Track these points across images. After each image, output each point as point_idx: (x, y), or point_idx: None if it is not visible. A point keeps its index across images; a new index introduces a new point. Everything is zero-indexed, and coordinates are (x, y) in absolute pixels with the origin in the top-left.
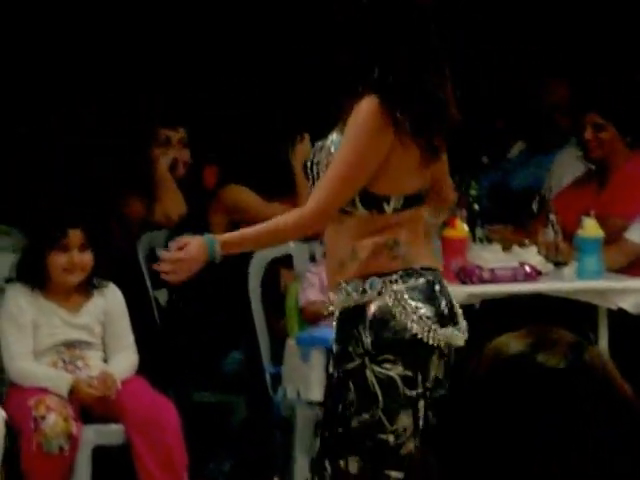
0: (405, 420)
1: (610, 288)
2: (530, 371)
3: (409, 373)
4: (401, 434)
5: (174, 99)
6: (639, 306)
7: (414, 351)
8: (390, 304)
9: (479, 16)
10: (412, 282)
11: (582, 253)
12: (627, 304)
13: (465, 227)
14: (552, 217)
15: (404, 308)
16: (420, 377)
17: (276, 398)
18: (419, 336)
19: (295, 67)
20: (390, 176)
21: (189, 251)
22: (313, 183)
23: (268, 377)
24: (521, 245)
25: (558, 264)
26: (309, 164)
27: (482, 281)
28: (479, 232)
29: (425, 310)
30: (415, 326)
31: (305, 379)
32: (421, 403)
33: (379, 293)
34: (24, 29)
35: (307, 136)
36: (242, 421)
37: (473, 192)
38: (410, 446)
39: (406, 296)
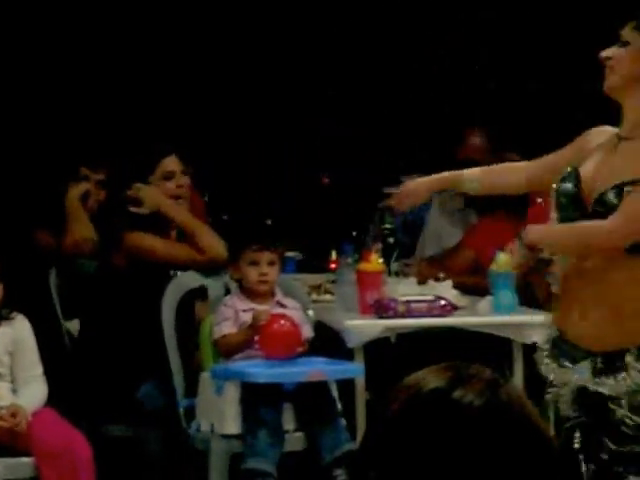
0: None
1: (524, 322)
2: (447, 408)
3: None
4: None
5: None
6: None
7: None
8: None
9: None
10: None
11: (496, 287)
12: (541, 338)
13: (380, 261)
14: (469, 252)
15: None
16: None
17: (190, 431)
18: None
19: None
20: None
21: None
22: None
23: (182, 410)
24: (436, 279)
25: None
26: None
27: (398, 315)
28: (394, 266)
29: None
30: None
31: (219, 412)
32: None
33: None
34: None
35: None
36: (156, 454)
37: (388, 225)
38: None
39: None
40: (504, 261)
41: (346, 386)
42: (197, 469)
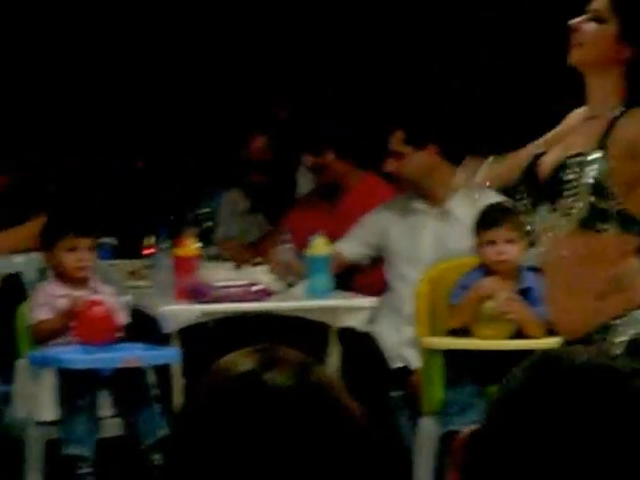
0: None
1: (339, 306)
2: (256, 390)
3: None
4: None
5: None
6: (367, 323)
7: None
8: None
9: None
10: None
11: (311, 272)
12: (356, 321)
13: (196, 245)
14: (285, 236)
15: None
16: None
17: (5, 419)
18: None
19: None
20: None
21: None
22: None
23: None
24: (253, 263)
25: (290, 285)
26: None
27: (214, 299)
28: (211, 250)
29: None
30: None
31: (36, 399)
32: None
33: None
34: None
35: None
36: None
37: (204, 210)
38: None
39: None
40: (320, 245)
41: (163, 371)
42: (12, 456)
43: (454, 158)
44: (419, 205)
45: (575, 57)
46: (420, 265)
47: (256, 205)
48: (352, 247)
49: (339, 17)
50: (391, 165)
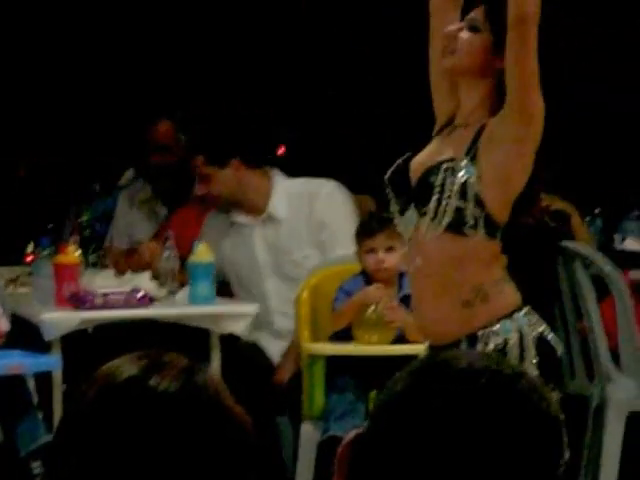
0: None
1: (221, 313)
2: (142, 395)
3: None
4: None
5: None
6: (249, 330)
7: None
8: None
9: None
10: None
11: (194, 278)
12: (238, 328)
13: (77, 252)
14: (169, 243)
15: None
16: None
17: None
18: None
19: None
20: None
21: None
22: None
23: None
24: (134, 270)
25: (171, 292)
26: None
27: (95, 307)
28: (92, 257)
29: None
30: None
31: None
32: None
33: None
34: None
35: None
36: None
37: (85, 218)
38: None
39: None
40: (202, 252)
41: (43, 378)
42: None
43: (259, 162)
44: (241, 218)
45: (449, 63)
46: (263, 276)
47: (157, 189)
48: None
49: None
50: (201, 189)
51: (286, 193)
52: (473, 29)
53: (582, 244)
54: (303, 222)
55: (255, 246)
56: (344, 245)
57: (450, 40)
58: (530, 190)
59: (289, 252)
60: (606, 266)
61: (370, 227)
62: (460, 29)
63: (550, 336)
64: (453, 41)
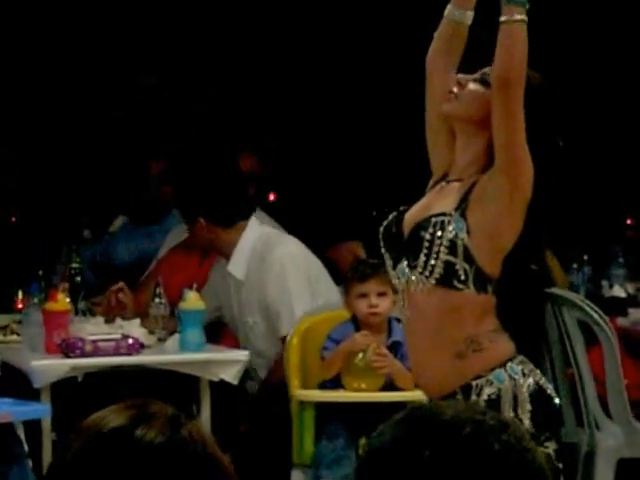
0: None
1: (211, 360)
2: (128, 446)
3: None
4: None
5: None
6: (239, 377)
7: None
8: None
9: None
10: None
11: (184, 325)
12: (227, 375)
13: (67, 300)
14: (159, 290)
15: None
16: None
17: None
18: None
19: None
20: None
21: None
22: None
23: None
24: (124, 317)
25: (161, 339)
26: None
27: (85, 354)
28: (81, 304)
29: None
30: None
31: None
32: None
33: None
34: None
35: None
36: None
37: (75, 265)
38: None
39: None
40: (192, 299)
41: (33, 426)
42: None
43: (227, 222)
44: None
45: (447, 108)
46: (240, 323)
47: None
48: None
49: None
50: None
51: (250, 249)
52: (483, 82)
53: (570, 293)
54: (256, 290)
55: (231, 298)
56: (287, 324)
57: (458, 86)
58: (523, 246)
59: (245, 313)
60: (594, 313)
61: (362, 272)
62: (470, 79)
63: (546, 385)
64: (459, 88)
